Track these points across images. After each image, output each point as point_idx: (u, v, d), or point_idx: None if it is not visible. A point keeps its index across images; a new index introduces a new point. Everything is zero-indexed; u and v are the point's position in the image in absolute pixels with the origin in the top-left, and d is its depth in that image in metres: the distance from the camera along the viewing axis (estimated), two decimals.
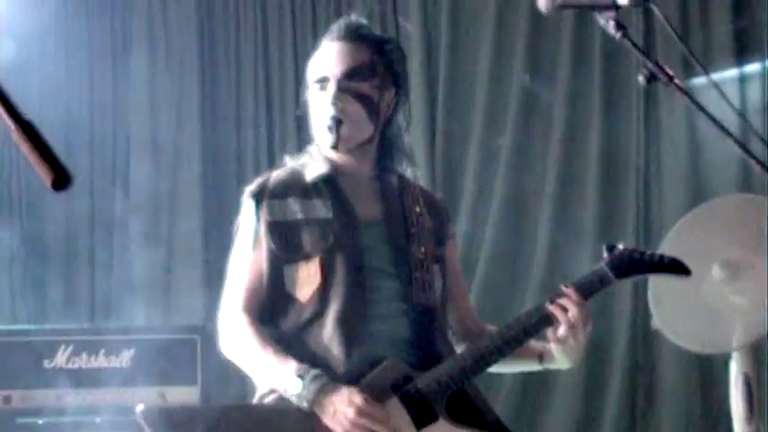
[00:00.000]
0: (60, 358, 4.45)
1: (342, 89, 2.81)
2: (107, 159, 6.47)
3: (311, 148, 2.94)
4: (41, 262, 6.38)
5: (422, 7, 5.84)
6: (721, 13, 5.12)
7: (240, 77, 6.40)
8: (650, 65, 2.33)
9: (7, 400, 4.36)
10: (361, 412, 2.58)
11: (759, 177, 2.26)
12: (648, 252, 2.88)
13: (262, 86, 6.31)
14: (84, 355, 4.47)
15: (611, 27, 2.38)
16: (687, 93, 2.27)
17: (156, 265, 6.38)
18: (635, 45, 2.33)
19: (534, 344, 2.83)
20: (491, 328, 2.90)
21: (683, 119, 5.05)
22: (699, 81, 4.98)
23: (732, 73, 5.08)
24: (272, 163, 6.06)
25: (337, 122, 2.80)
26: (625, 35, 2.36)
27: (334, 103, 2.80)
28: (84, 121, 6.41)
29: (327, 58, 2.85)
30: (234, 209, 5.99)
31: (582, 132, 5.40)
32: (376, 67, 2.88)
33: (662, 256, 2.88)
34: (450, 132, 5.77)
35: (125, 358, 4.49)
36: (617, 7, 2.41)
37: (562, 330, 2.73)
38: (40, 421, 4.42)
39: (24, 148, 1.24)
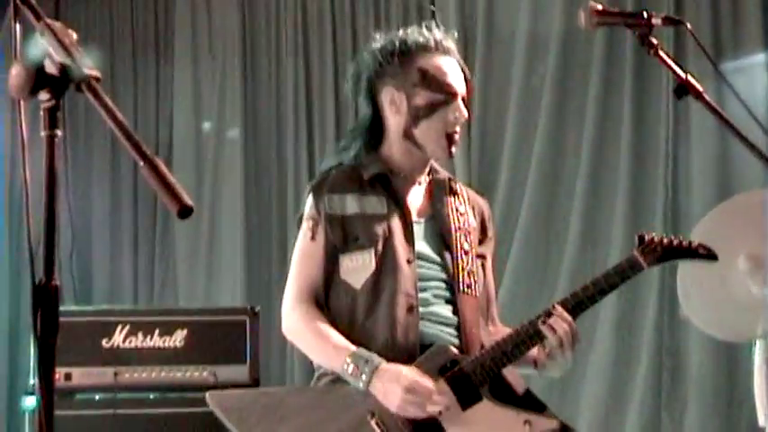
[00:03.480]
0: (117, 338, 4.62)
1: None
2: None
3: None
4: (87, 243, 6.61)
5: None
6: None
7: (280, 74, 6.61)
8: (681, 80, 2.52)
9: (68, 377, 4.53)
10: (408, 389, 2.78)
11: None
12: (677, 239, 3.04)
13: (302, 83, 6.52)
14: (139, 335, 4.64)
15: (644, 44, 2.58)
16: (715, 108, 2.44)
17: (198, 248, 6.62)
18: (666, 63, 2.52)
19: (533, 350, 2.99)
20: (507, 330, 3.06)
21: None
22: (729, 66, 5.15)
23: (760, 58, 5.19)
24: (312, 159, 6.31)
25: (455, 138, 3.06)
26: (656, 54, 2.55)
27: (462, 122, 3.05)
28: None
29: (454, 74, 3.07)
30: (273, 196, 6.21)
31: (613, 124, 5.51)
32: None
33: (690, 242, 3.05)
34: (485, 122, 5.91)
35: (178, 338, 4.66)
36: (651, 26, 2.60)
37: (550, 347, 2.91)
38: (98, 397, 4.61)
39: (152, 182, 1.44)
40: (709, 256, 3.06)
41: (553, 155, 5.68)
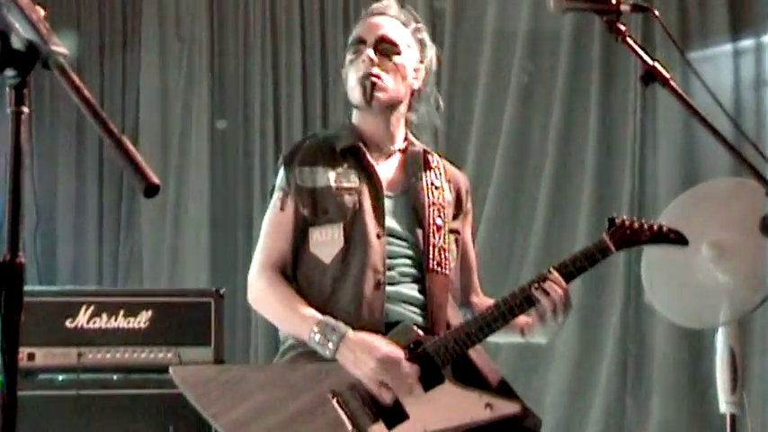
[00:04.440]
0: (81, 318, 4.56)
1: (376, 51, 3.07)
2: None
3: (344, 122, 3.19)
4: (52, 223, 6.58)
5: None
6: None
7: (248, 59, 6.60)
8: (648, 67, 2.53)
9: (31, 357, 4.47)
10: (381, 360, 2.80)
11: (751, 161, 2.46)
12: (647, 223, 3.00)
13: (269, 68, 6.51)
14: (104, 316, 4.58)
15: (612, 30, 2.59)
16: (682, 95, 2.45)
17: (163, 229, 6.60)
18: (634, 50, 2.53)
19: (519, 318, 2.98)
20: (491, 300, 3.07)
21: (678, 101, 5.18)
22: (696, 55, 5.16)
23: (727, 48, 5.21)
24: (278, 142, 6.30)
25: (372, 81, 3.04)
26: (624, 40, 2.56)
27: (371, 62, 3.05)
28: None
29: (362, 28, 3.12)
30: (239, 178, 6.19)
31: (580, 113, 5.52)
32: (403, 39, 3.13)
33: (660, 227, 3.02)
34: (453, 105, 5.91)
35: (143, 319, 4.62)
36: (619, 12, 2.61)
37: (543, 312, 2.91)
38: (61, 377, 4.56)
39: (119, 160, 1.43)
40: (680, 240, 3.03)
41: (520, 141, 5.69)
